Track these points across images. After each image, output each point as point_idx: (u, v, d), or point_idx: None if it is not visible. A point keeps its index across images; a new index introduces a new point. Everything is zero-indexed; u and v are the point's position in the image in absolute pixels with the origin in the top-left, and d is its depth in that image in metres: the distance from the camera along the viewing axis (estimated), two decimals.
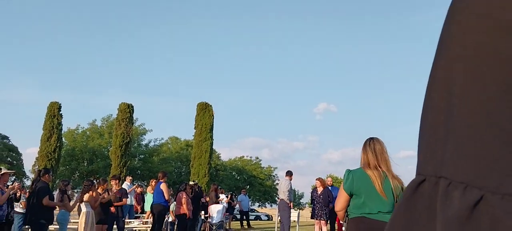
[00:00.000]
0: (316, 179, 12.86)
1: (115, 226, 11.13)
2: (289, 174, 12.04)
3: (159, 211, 11.05)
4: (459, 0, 0.53)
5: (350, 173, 3.48)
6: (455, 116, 0.50)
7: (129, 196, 13.02)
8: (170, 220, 12.64)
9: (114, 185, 11.24)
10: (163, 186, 10.99)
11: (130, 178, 16.68)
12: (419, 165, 0.55)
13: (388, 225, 0.56)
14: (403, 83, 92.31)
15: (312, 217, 12.50)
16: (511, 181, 0.45)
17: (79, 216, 9.48)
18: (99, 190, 9.76)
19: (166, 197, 11.10)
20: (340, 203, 3.53)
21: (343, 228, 3.64)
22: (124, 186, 13.78)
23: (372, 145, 3.52)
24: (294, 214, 13.45)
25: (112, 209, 10.56)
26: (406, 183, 3.68)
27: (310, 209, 13.34)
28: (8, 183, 8.56)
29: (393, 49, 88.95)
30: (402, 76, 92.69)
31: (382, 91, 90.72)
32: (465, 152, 0.48)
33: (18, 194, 8.53)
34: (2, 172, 7.39)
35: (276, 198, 34.67)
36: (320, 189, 12.12)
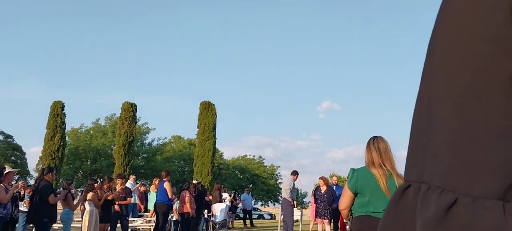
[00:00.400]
0: (320, 178, 12.86)
1: (118, 225, 11.15)
2: (294, 173, 12.06)
3: (162, 210, 11.06)
4: (443, 9, 0.55)
5: (355, 172, 3.47)
6: (433, 122, 0.53)
7: (132, 194, 13.03)
8: (174, 218, 12.66)
9: (119, 184, 11.24)
10: (166, 185, 11.01)
11: (134, 176, 16.71)
12: (405, 171, 0.59)
13: (378, 229, 0.59)
14: (406, 82, 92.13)
15: (316, 216, 12.50)
16: (483, 183, 0.46)
17: (82, 215, 9.51)
18: (105, 188, 9.77)
19: (170, 196, 11.11)
20: (344, 202, 3.53)
21: (347, 227, 3.64)
22: (128, 185, 13.81)
23: (376, 143, 3.52)
24: (297, 213, 13.44)
25: (116, 207, 10.58)
26: None
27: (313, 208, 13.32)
28: (13, 182, 8.58)
29: (397, 48, 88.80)
30: (405, 75, 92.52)
31: (386, 89, 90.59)
32: (442, 157, 0.51)
33: (22, 193, 8.55)
34: (7, 171, 7.40)
35: (279, 197, 34.71)
36: (323, 188, 12.13)
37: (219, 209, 14.92)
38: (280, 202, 24.90)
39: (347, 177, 3.59)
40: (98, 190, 9.42)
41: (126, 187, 12.19)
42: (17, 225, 9.47)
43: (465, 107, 0.49)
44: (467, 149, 0.48)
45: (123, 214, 11.06)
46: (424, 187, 0.52)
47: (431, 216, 0.48)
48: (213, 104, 33.29)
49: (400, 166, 3.57)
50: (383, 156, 3.46)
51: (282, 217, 14.44)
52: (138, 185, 15.98)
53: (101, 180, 10.07)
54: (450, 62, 0.52)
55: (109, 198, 9.65)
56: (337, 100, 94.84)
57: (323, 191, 12.11)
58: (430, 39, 0.57)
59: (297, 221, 14.48)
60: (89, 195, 9.17)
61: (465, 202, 0.47)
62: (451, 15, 0.53)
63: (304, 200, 53.66)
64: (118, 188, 10.67)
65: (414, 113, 0.59)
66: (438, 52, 0.55)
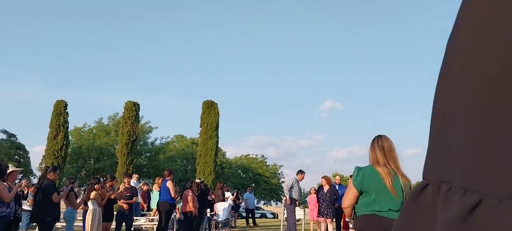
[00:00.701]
0: (322, 177, 12.85)
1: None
2: (298, 172, 12.05)
3: (165, 209, 11.06)
4: (463, 11, 0.54)
5: (361, 170, 3.45)
6: (456, 123, 0.51)
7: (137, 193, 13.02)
8: (177, 217, 12.66)
9: (126, 183, 11.20)
10: (169, 184, 11.01)
11: (137, 175, 16.74)
12: (424, 169, 0.56)
13: (393, 228, 0.57)
14: (409, 81, 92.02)
15: (318, 215, 12.49)
16: (509, 185, 0.45)
17: (83, 214, 9.53)
18: (107, 186, 9.78)
19: (173, 195, 11.10)
20: (348, 200, 3.51)
21: (351, 226, 3.61)
22: (131, 184, 13.83)
23: (380, 142, 3.50)
24: (300, 212, 13.43)
25: (125, 206, 10.58)
26: (413, 180, 3.67)
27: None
28: (16, 181, 8.59)
29: (399, 47, 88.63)
30: (408, 74, 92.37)
31: (388, 89, 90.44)
32: (465, 157, 0.49)
33: (25, 192, 8.56)
34: (10, 170, 7.41)
35: (282, 196, 34.71)
36: (326, 187, 12.12)
37: (221, 208, 14.92)
38: (282, 201, 24.91)
39: (352, 175, 3.57)
40: (99, 189, 9.43)
41: (132, 186, 12.17)
42: (20, 224, 9.50)
43: (489, 109, 0.48)
44: (492, 151, 0.47)
45: (129, 214, 11.02)
46: (445, 187, 0.50)
47: (453, 216, 0.47)
48: (216, 104, 33.29)
49: (403, 165, 3.55)
50: (387, 155, 3.45)
51: (285, 216, 14.43)
52: (141, 184, 16.00)
53: (104, 179, 10.04)
54: (471, 63, 0.50)
55: (111, 197, 9.66)
56: (340, 99, 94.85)
57: (325, 190, 12.10)
58: (449, 39, 0.56)
59: (299, 220, 14.49)
60: (92, 194, 9.19)
61: (490, 204, 0.45)
62: (471, 17, 0.52)
63: (306, 199, 53.70)
64: (123, 186, 10.63)
65: (433, 112, 0.57)
66: (458, 53, 0.54)
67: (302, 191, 21.22)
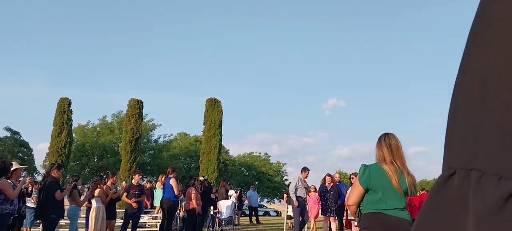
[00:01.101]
0: (326, 175, 12.81)
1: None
2: (302, 170, 11.96)
3: (168, 206, 11.04)
4: None
5: (367, 168, 3.42)
6: (489, 107, 0.48)
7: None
8: (181, 215, 12.65)
9: (135, 180, 11.16)
10: (172, 181, 10.98)
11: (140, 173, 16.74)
12: (448, 157, 0.53)
13: (417, 221, 0.54)
14: (412, 80, 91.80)
15: (322, 213, 12.45)
16: None
17: (86, 211, 9.53)
18: (109, 184, 9.76)
19: (176, 192, 11.07)
20: (353, 197, 3.48)
21: (355, 224, 3.57)
22: (134, 181, 13.82)
23: (387, 140, 3.47)
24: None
25: (135, 205, 10.56)
26: (417, 178, 3.63)
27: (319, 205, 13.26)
28: (20, 178, 8.60)
29: (402, 46, 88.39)
30: (411, 72, 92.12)
31: (392, 87, 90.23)
32: (499, 144, 0.46)
33: (29, 189, 8.57)
34: (14, 168, 7.42)
35: (284, 194, 34.66)
36: (330, 185, 12.08)
37: (225, 206, 14.90)
38: (284, 198, 24.88)
39: (358, 173, 3.53)
40: (103, 187, 9.43)
41: (140, 184, 12.12)
42: (24, 221, 9.51)
43: None
44: None
45: (139, 211, 10.99)
46: (476, 175, 0.47)
47: (488, 205, 0.44)
48: (219, 101, 33.29)
49: (409, 164, 3.51)
50: (394, 153, 3.41)
51: (288, 214, 14.42)
52: (144, 181, 16.00)
53: (105, 176, 10.02)
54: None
55: (114, 197, 9.65)
56: (343, 97, 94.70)
57: (329, 188, 12.06)
58: (477, 16, 0.52)
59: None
60: (96, 192, 9.19)
61: None
62: None
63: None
64: (125, 184, 10.61)
65: (458, 97, 0.53)
66: (495, 29, 0.49)
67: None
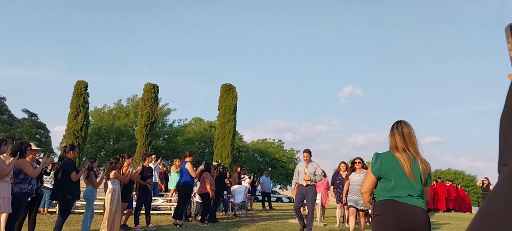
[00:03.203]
0: (341, 163, 12.78)
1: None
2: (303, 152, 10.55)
3: (184, 190, 11.15)
4: None
5: (379, 156, 3.42)
6: None
7: (154, 173, 13.14)
8: (196, 199, 12.77)
9: (147, 162, 11.27)
10: (188, 166, 11.07)
11: (154, 156, 16.92)
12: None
13: (492, 209, 0.55)
14: (430, 68, 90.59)
15: (337, 202, 12.44)
16: None
17: (105, 192, 9.66)
18: (125, 165, 9.86)
19: (193, 175, 11.17)
20: (366, 186, 3.48)
21: (369, 211, 3.58)
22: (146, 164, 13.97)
23: (400, 128, 3.46)
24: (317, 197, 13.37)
25: (163, 186, 10.72)
26: (432, 168, 3.61)
27: (334, 193, 13.21)
28: (39, 160, 8.75)
29: (420, 33, 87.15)
30: (429, 60, 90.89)
31: (409, 75, 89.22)
32: None
33: (48, 168, 8.71)
34: (33, 148, 7.56)
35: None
36: (344, 173, 12.04)
37: (238, 191, 15.02)
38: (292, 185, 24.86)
39: (371, 161, 3.53)
40: (119, 168, 9.54)
41: (149, 166, 12.27)
42: (42, 200, 9.70)
43: None
44: None
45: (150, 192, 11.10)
46: None
47: None
48: (234, 87, 33.28)
49: (423, 152, 3.50)
50: (406, 141, 3.41)
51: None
52: (159, 161, 16.17)
53: (121, 157, 10.12)
54: None
55: (133, 178, 9.75)
56: (360, 85, 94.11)
57: (343, 176, 12.03)
58: None
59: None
60: (112, 174, 9.30)
61: None
62: None
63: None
64: (139, 168, 10.69)
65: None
66: None
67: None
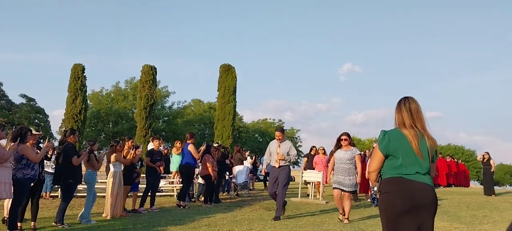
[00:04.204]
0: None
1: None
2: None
3: (187, 171, 11.16)
4: None
5: (387, 133, 3.35)
6: None
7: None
8: (199, 180, 12.78)
9: (156, 145, 11.22)
10: (190, 147, 11.05)
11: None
12: None
13: None
14: (428, 42, 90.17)
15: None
16: None
17: (107, 176, 9.64)
18: (126, 147, 9.82)
19: (196, 157, 11.17)
20: (374, 164, 3.41)
21: (375, 188, 3.51)
22: (150, 146, 13.93)
23: (407, 104, 3.39)
24: (318, 175, 13.39)
25: (162, 168, 10.75)
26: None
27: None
28: (41, 145, 8.69)
29: (418, 8, 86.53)
30: (426, 35, 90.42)
31: (407, 51, 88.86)
32: None
33: (49, 154, 8.67)
34: (33, 133, 7.49)
35: (299, 160, 34.75)
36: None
37: (240, 171, 15.04)
38: (299, 165, 24.92)
39: (378, 139, 3.46)
40: (120, 150, 9.50)
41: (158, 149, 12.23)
42: (44, 185, 9.67)
43: None
44: None
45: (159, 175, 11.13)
46: None
47: None
48: (233, 68, 33.11)
49: (429, 128, 3.43)
50: (414, 117, 3.34)
51: (303, 179, 14.46)
52: (160, 141, 16.16)
53: (121, 140, 10.07)
54: None
55: (127, 163, 9.71)
56: (358, 62, 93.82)
57: None
58: None
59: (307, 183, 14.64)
60: (113, 157, 9.27)
61: None
62: None
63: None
64: (140, 151, 10.62)
65: None
66: None
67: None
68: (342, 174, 8.46)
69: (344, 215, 8.52)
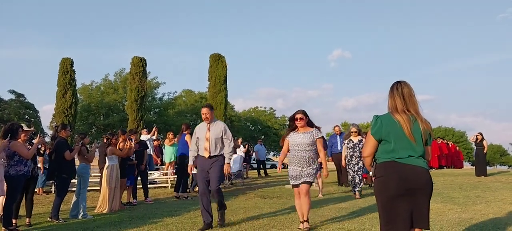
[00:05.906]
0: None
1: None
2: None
3: (184, 162, 11.16)
4: None
5: (378, 118, 3.38)
6: None
7: (149, 146, 13.06)
8: (194, 171, 12.78)
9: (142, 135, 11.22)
10: (187, 138, 11.04)
11: (146, 130, 16.89)
12: None
13: None
14: (416, 25, 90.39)
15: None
16: None
17: (101, 170, 9.61)
18: (121, 140, 9.78)
19: None
20: (368, 149, 3.45)
21: (370, 173, 3.55)
22: (142, 138, 13.91)
23: (400, 88, 3.41)
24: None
25: (159, 160, 10.70)
26: None
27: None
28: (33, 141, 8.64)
29: None
30: (414, 18, 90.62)
31: (396, 35, 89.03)
32: None
33: (41, 150, 8.62)
34: (25, 129, 7.45)
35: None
36: (355, 139, 11.95)
37: (234, 160, 15.05)
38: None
39: (371, 124, 3.49)
40: (114, 144, 9.46)
41: (141, 140, 12.22)
42: (37, 181, 9.61)
43: None
44: None
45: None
46: None
47: None
48: (223, 57, 32.97)
49: (423, 111, 3.46)
50: (407, 101, 3.36)
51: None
52: (154, 129, 16.21)
53: (115, 133, 10.02)
54: None
55: (123, 155, 9.67)
56: (348, 48, 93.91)
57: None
58: None
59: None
60: (108, 150, 9.24)
61: None
62: None
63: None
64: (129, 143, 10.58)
65: None
66: None
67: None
68: (299, 164, 6.13)
69: (304, 221, 6.09)
